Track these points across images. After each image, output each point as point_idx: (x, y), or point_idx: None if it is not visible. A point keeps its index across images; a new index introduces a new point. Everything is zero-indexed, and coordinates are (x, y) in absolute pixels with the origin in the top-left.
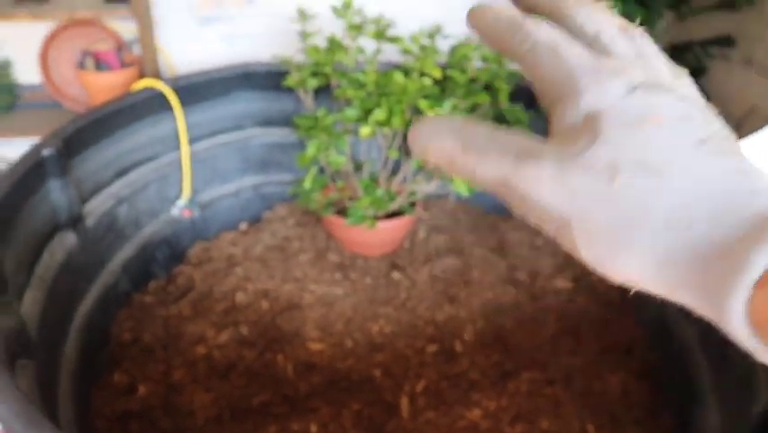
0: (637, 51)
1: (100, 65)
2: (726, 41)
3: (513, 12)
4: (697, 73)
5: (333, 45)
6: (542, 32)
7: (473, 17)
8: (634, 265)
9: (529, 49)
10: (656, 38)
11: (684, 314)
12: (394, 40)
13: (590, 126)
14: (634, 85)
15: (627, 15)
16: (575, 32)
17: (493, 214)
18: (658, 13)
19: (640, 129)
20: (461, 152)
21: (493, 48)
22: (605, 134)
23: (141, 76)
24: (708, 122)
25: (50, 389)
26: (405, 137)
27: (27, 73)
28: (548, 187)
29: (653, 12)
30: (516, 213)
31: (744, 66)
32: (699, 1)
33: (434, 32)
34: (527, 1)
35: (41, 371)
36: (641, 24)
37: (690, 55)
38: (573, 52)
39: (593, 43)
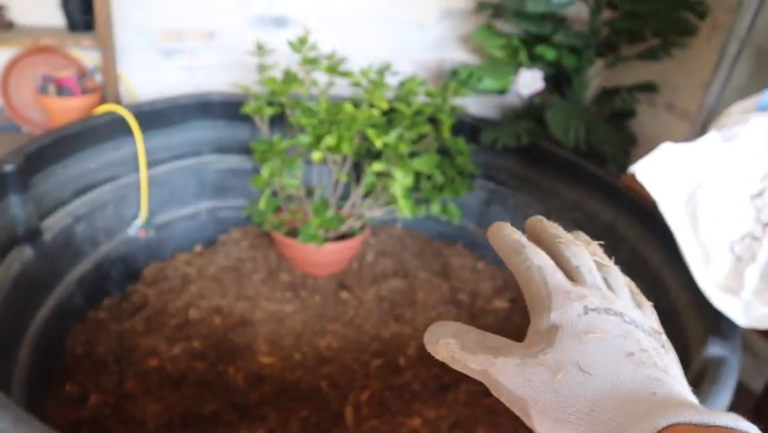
0: (608, 282)
1: (62, 91)
2: (650, 87)
3: (520, 237)
4: (626, 115)
5: (289, 77)
6: (537, 257)
7: (491, 232)
8: None
9: (525, 268)
10: (587, 83)
11: None
12: (345, 74)
13: (550, 335)
14: (590, 308)
15: (563, 61)
16: (563, 261)
17: (437, 240)
18: (588, 61)
19: (583, 340)
20: (459, 349)
21: (501, 257)
22: (558, 342)
23: (103, 102)
24: (642, 340)
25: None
26: (355, 164)
27: None
28: (511, 374)
29: (584, 60)
30: (496, 396)
31: (667, 110)
32: (626, 51)
33: (383, 69)
34: (534, 232)
35: None
36: (576, 70)
37: (618, 99)
38: (555, 278)
39: (574, 271)
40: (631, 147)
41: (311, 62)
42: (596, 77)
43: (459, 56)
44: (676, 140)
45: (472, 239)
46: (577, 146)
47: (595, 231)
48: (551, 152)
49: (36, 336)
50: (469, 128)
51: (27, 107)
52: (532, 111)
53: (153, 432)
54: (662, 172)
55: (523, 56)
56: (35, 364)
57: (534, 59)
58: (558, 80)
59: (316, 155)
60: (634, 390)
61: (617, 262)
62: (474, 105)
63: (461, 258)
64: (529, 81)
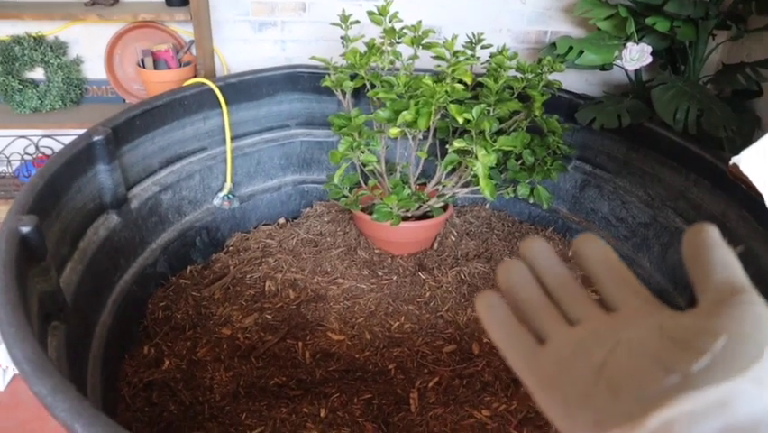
0: None
1: (158, 63)
2: None
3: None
4: (750, 95)
5: (371, 49)
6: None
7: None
8: None
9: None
10: (705, 58)
11: None
12: (428, 46)
13: None
14: None
15: (677, 34)
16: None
17: (527, 223)
18: (707, 33)
19: None
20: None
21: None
22: None
23: (197, 75)
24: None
25: (81, 352)
26: (442, 141)
27: (95, 70)
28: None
29: (702, 32)
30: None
31: None
32: (754, 22)
33: (473, 41)
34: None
35: (73, 334)
36: (692, 43)
37: (740, 76)
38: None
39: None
40: (755, 131)
41: (392, 34)
42: (716, 52)
43: (563, 29)
44: None
45: (565, 224)
46: (685, 129)
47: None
48: (656, 133)
49: (119, 298)
50: (566, 106)
51: (130, 80)
52: (640, 89)
53: (219, 400)
54: None
55: (631, 28)
56: (116, 325)
57: (645, 32)
58: (672, 55)
59: (393, 131)
60: None
61: None
62: (577, 81)
63: (551, 244)
64: (636, 55)
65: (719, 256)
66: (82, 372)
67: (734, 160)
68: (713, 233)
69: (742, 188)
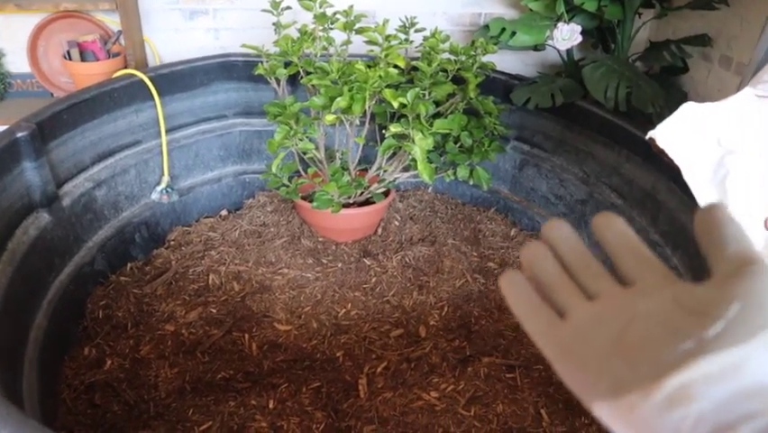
0: None
1: (85, 55)
2: (703, 40)
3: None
4: (676, 72)
5: (303, 36)
6: None
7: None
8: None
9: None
10: (633, 36)
11: None
12: (361, 31)
13: None
14: None
15: (605, 13)
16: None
17: (470, 205)
18: (634, 12)
19: None
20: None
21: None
22: None
23: (127, 66)
24: None
25: (14, 356)
26: (380, 126)
27: (17, 63)
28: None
29: (629, 10)
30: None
31: (722, 65)
32: (679, 0)
33: (406, 25)
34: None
35: (4, 339)
36: (619, 22)
37: (666, 53)
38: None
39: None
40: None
41: (324, 19)
42: (643, 30)
43: (496, 10)
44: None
45: (507, 204)
46: (616, 106)
47: (634, 196)
48: (588, 111)
49: (55, 299)
50: (502, 87)
51: (56, 73)
52: (573, 68)
53: (164, 398)
54: (686, 136)
55: (561, 8)
56: (54, 327)
57: (575, 12)
58: (602, 34)
59: (329, 118)
60: None
61: (656, 231)
62: (514, 62)
63: (494, 224)
64: (567, 35)
65: (731, 231)
66: (16, 377)
67: (650, 134)
68: (724, 210)
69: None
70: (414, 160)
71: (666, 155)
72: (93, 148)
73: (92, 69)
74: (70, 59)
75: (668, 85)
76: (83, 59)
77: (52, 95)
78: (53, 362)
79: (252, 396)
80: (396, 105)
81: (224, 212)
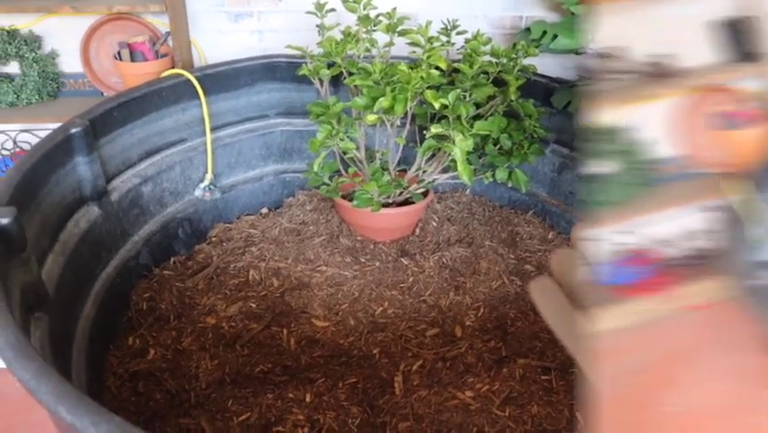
0: None
1: (135, 56)
2: None
3: None
4: None
5: (347, 37)
6: None
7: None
8: None
9: None
10: None
11: None
12: (403, 33)
13: None
14: None
15: None
16: None
17: (507, 208)
18: None
19: None
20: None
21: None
22: None
23: (174, 67)
24: None
25: (65, 344)
26: (420, 128)
27: (71, 63)
28: None
29: None
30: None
31: None
32: None
33: (448, 27)
34: None
35: (56, 326)
36: None
37: None
38: None
39: None
40: None
41: (367, 21)
42: None
43: (537, 13)
44: None
45: (545, 208)
46: None
47: None
48: None
49: (102, 291)
50: (542, 90)
51: (107, 73)
52: None
53: (204, 388)
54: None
55: None
56: (100, 317)
57: None
58: None
59: (370, 118)
60: None
61: None
62: (554, 66)
63: (531, 227)
64: None
65: None
66: (66, 363)
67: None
68: None
69: None
70: (453, 161)
71: None
72: (140, 145)
73: (141, 69)
74: (120, 59)
75: None
76: (132, 59)
77: (102, 94)
78: (99, 351)
79: (290, 389)
80: (437, 106)
81: (264, 210)
